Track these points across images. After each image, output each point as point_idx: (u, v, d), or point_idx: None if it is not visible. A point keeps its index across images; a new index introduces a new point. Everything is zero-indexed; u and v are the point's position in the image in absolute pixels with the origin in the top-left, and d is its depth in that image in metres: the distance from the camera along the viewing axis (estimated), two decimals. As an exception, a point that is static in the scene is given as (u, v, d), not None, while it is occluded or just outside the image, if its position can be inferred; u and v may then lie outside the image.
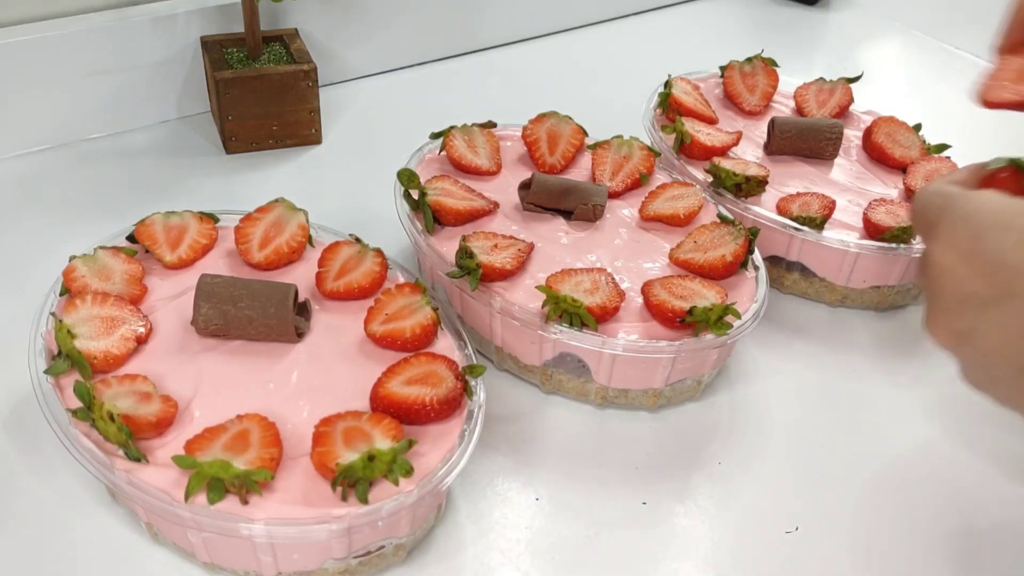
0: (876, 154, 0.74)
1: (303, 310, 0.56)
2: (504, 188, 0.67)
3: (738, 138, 0.74)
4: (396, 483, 0.46)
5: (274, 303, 0.53)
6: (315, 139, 0.83)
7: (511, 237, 0.62)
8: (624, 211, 0.67)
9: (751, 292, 0.61)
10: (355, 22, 0.90)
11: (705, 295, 0.58)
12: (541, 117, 0.71)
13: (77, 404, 0.47)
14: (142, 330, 0.53)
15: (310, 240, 0.60)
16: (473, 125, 0.70)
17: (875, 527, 0.55)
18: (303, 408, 0.50)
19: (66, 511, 0.52)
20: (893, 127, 0.75)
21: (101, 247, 0.57)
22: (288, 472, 0.47)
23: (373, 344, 0.54)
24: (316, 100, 0.81)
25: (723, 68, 0.82)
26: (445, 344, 0.55)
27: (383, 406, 0.50)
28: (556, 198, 0.64)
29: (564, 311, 0.56)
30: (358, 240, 0.59)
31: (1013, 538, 0.55)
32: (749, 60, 0.81)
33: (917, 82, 1.04)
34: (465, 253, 0.58)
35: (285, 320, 0.53)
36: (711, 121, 0.77)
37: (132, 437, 0.46)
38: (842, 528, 0.55)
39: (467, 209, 0.63)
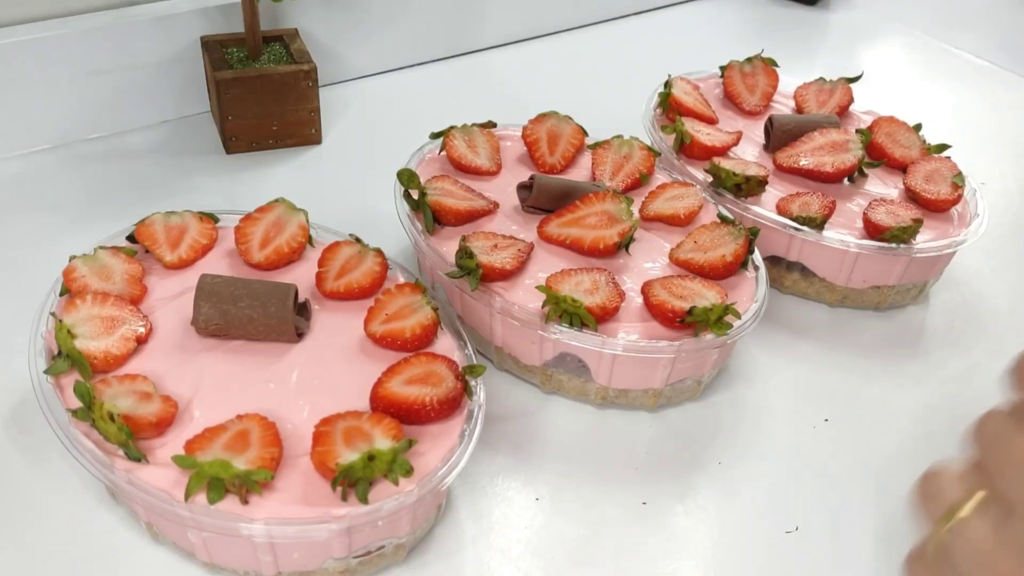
0: (876, 154, 0.74)
1: (303, 310, 0.56)
2: (504, 188, 0.67)
3: (738, 138, 0.74)
4: (396, 483, 0.46)
5: (274, 303, 0.53)
6: (315, 139, 0.83)
7: (511, 237, 0.62)
8: (624, 211, 0.67)
9: (751, 292, 0.61)
10: (355, 22, 0.90)
11: (705, 295, 0.58)
12: (541, 117, 0.71)
13: (77, 404, 0.47)
14: (142, 330, 0.53)
15: (310, 240, 0.60)
16: (473, 125, 0.70)
17: (875, 527, 0.55)
18: (303, 408, 0.50)
19: (66, 511, 0.52)
20: (893, 127, 0.75)
21: (101, 247, 0.57)
22: (288, 472, 0.47)
23: (373, 344, 0.54)
24: (316, 100, 0.81)
25: (723, 68, 0.82)
26: (445, 344, 0.55)
27: (383, 406, 0.50)
28: (556, 200, 0.64)
29: (564, 311, 0.56)
30: (358, 240, 0.59)
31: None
32: (749, 60, 0.81)
33: (917, 82, 1.04)
34: (465, 253, 0.58)
35: (285, 320, 0.53)
36: (711, 121, 0.77)
37: (132, 437, 0.46)
38: (842, 528, 0.55)
39: (467, 209, 0.63)
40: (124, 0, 0.80)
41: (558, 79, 0.97)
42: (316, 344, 0.54)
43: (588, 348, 0.57)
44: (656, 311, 0.57)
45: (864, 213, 0.68)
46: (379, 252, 0.59)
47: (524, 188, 0.66)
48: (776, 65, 0.82)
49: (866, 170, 0.73)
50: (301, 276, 0.58)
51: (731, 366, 0.65)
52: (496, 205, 0.65)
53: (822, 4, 1.18)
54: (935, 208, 0.70)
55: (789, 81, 0.82)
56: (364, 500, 0.45)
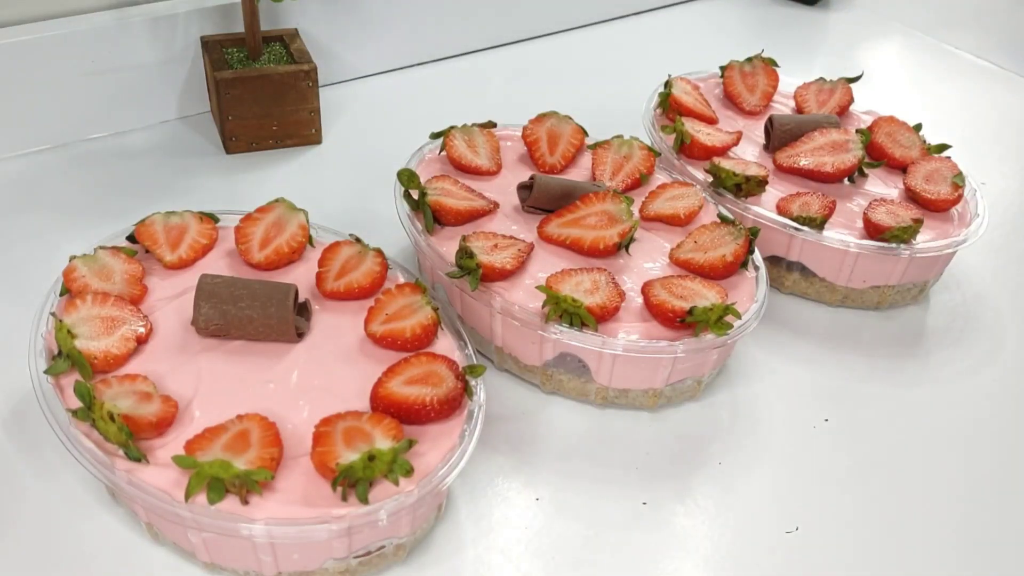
0: (876, 154, 0.74)
1: (303, 310, 0.56)
2: (504, 188, 0.67)
3: (738, 138, 0.74)
4: (396, 483, 0.46)
5: (274, 303, 0.53)
6: (315, 139, 0.83)
7: (511, 237, 0.62)
8: (624, 211, 0.67)
9: (751, 292, 0.61)
10: (355, 22, 0.90)
11: (705, 295, 0.58)
12: (541, 117, 0.71)
13: (77, 404, 0.47)
14: (142, 330, 0.53)
15: (310, 240, 0.60)
16: (473, 125, 0.70)
17: (875, 527, 0.55)
18: (303, 408, 0.50)
19: (66, 511, 0.52)
20: (893, 127, 0.75)
21: (101, 247, 0.57)
22: (288, 472, 0.47)
23: (373, 344, 0.54)
24: (316, 100, 0.81)
25: (723, 68, 0.82)
26: (445, 344, 0.55)
27: (383, 406, 0.50)
28: (556, 200, 0.64)
29: (564, 311, 0.56)
30: (358, 240, 0.59)
31: (1013, 536, 0.55)
32: (749, 60, 0.81)
33: (917, 82, 1.04)
34: (465, 253, 0.58)
35: (285, 320, 0.53)
36: (711, 121, 0.77)
37: (132, 437, 0.46)
38: (842, 528, 0.55)
39: (467, 209, 0.63)
40: (124, 0, 0.80)
41: (558, 79, 0.97)
42: (316, 344, 0.54)
43: (588, 348, 0.57)
44: (656, 311, 0.57)
45: (864, 213, 0.68)
46: (379, 252, 0.59)
47: (524, 188, 0.66)
48: (776, 65, 0.82)
49: (866, 170, 0.73)
50: (301, 276, 0.58)
51: (731, 366, 0.65)
52: (496, 205, 0.65)
53: (822, 4, 1.18)
54: (935, 208, 0.70)
55: (789, 81, 0.82)
56: (364, 500, 0.45)
